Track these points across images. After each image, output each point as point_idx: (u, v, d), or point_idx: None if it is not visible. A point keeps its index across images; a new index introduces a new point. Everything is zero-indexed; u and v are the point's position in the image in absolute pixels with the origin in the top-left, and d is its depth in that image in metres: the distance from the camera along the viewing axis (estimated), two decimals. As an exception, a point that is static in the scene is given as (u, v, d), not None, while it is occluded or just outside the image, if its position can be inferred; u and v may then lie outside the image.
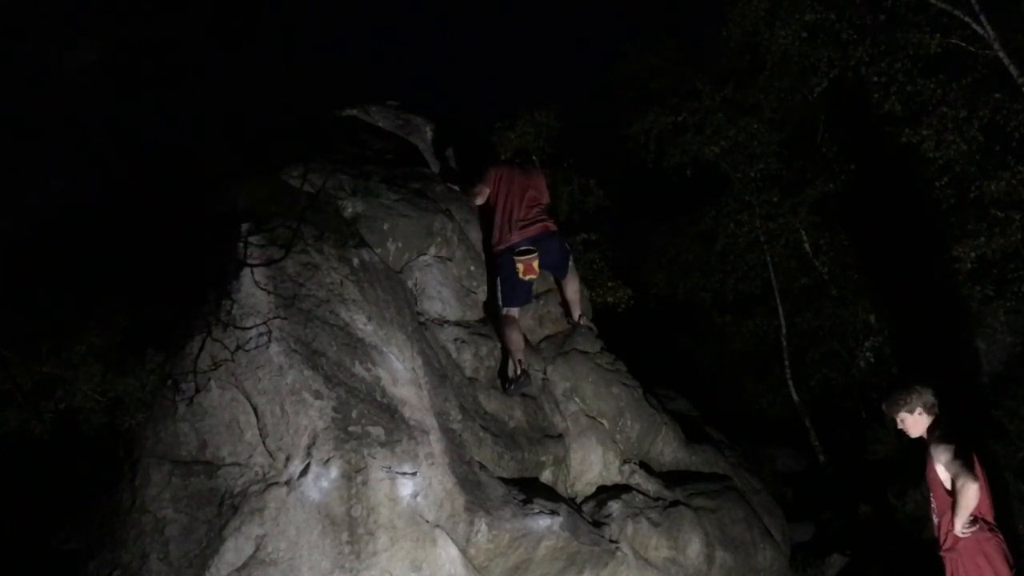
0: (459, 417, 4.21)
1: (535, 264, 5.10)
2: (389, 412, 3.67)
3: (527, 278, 5.09)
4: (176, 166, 4.78)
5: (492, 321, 5.08)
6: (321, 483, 3.30)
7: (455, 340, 4.68)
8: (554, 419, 5.02)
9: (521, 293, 5.12)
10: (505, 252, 5.12)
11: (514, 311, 5.03)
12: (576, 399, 5.28)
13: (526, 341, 5.19)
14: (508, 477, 4.37)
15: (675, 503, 5.15)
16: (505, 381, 4.82)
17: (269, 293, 3.62)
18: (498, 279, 5.10)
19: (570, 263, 5.61)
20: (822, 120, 8.84)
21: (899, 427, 4.09)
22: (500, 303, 5.04)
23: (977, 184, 7.38)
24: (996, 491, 4.06)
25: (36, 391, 3.33)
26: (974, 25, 7.24)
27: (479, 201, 5.33)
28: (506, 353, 4.89)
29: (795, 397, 9.67)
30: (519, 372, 4.79)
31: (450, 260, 4.94)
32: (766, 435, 9.46)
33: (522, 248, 5.09)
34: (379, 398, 3.69)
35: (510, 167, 5.46)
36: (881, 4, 7.81)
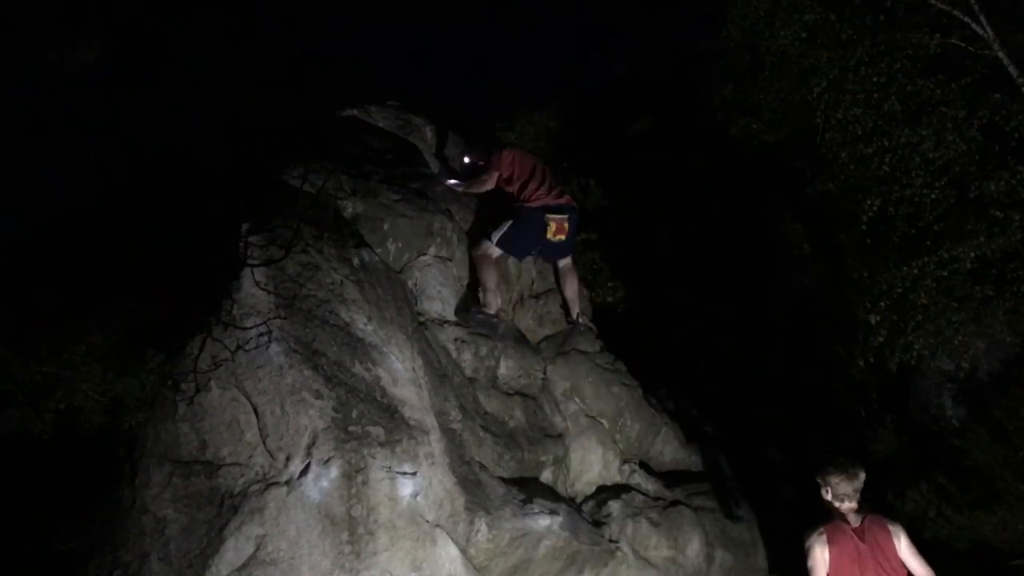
0: (459, 417, 4.21)
1: (566, 225, 5.19)
2: (389, 412, 3.67)
3: (555, 239, 5.17)
4: (176, 166, 4.78)
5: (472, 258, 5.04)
6: (321, 483, 3.30)
7: (455, 340, 4.68)
8: (554, 419, 5.02)
9: (523, 246, 5.14)
10: (538, 208, 5.15)
11: (498, 252, 5.01)
12: (576, 399, 5.28)
13: (523, 337, 5.19)
14: (508, 477, 4.37)
15: (675, 503, 5.16)
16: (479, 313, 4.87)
17: (269, 293, 3.62)
18: (509, 222, 5.06)
19: (570, 260, 5.62)
20: (822, 120, 8.85)
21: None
22: (490, 240, 4.99)
23: (977, 184, 7.37)
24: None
25: (36, 391, 3.33)
26: (974, 25, 7.22)
27: (490, 185, 5.30)
28: (484, 290, 4.93)
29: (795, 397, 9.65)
30: (494, 312, 4.89)
31: (450, 260, 4.94)
32: (766, 435, 9.45)
33: (556, 208, 5.18)
34: (379, 398, 3.69)
35: (521, 150, 5.61)
36: (881, 4, 7.81)
